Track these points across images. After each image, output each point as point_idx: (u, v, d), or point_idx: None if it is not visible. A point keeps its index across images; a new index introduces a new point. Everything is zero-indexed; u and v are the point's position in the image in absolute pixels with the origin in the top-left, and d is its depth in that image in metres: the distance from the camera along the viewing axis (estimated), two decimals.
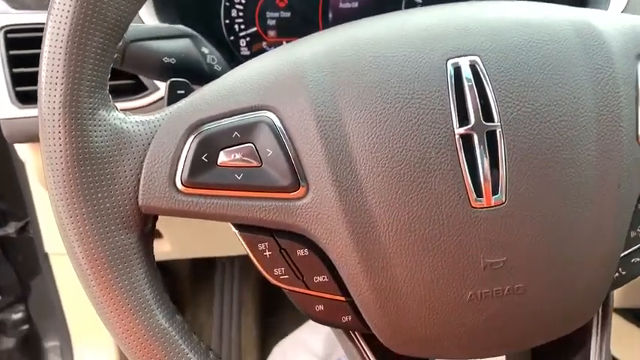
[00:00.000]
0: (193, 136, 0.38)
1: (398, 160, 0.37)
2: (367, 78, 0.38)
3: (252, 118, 0.38)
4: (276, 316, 1.34)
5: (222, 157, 0.38)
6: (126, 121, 0.39)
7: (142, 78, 0.69)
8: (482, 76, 0.37)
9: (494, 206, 0.37)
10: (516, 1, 0.44)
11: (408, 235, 0.37)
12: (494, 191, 0.37)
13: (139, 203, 0.38)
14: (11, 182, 1.00)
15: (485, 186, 0.37)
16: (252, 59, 0.42)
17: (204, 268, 1.32)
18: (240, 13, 0.79)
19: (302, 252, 0.39)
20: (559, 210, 0.37)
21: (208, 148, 0.38)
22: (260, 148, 0.38)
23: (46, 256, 1.01)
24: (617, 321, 0.89)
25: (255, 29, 0.80)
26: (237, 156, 0.38)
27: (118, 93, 0.66)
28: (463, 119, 0.37)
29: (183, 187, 0.38)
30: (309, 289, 0.39)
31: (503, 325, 0.39)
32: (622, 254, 0.40)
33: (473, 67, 0.37)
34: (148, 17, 0.67)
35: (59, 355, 1.13)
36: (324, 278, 0.39)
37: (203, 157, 0.38)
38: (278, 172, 0.38)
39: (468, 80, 0.37)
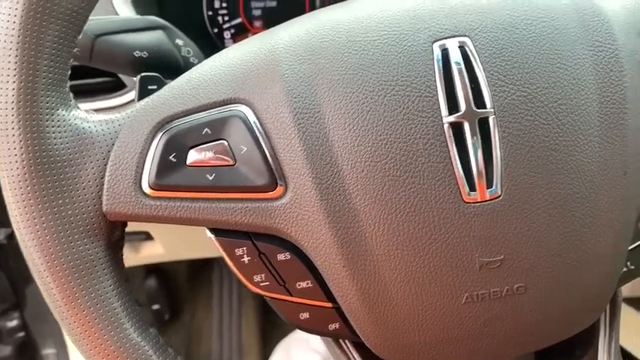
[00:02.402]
0: (161, 135, 0.35)
1: (382, 154, 0.34)
2: (347, 64, 0.35)
3: (224, 113, 0.35)
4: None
5: (192, 156, 0.35)
6: (88, 121, 0.36)
7: (122, 75, 0.66)
8: (472, 58, 0.34)
9: (489, 200, 0.34)
10: None
11: (395, 235, 0.34)
12: (489, 184, 0.34)
13: (104, 209, 0.35)
14: None
15: (479, 179, 0.34)
16: (228, 48, 0.39)
17: (201, 268, 1.29)
18: (224, 4, 0.76)
19: (283, 256, 0.36)
20: (560, 202, 0.34)
21: (177, 146, 0.35)
22: (233, 145, 0.35)
23: None
24: (625, 310, 0.86)
25: (239, 20, 0.77)
26: (209, 154, 0.35)
27: (97, 92, 0.63)
28: (452, 106, 0.34)
29: (151, 191, 0.35)
30: (292, 295, 0.36)
31: (504, 329, 0.36)
32: (630, 247, 0.37)
33: (462, 48, 0.34)
34: (124, 10, 0.64)
35: None
36: (308, 284, 0.36)
37: (171, 157, 0.35)
38: (253, 170, 0.35)
39: (457, 63, 0.34)
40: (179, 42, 0.49)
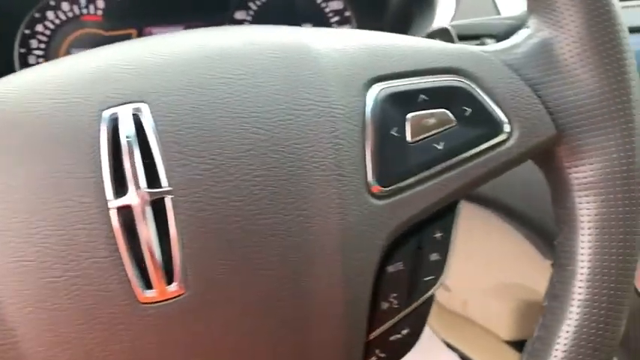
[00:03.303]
0: None
1: (36, 251, 0.27)
2: (5, 142, 0.29)
3: None
4: None
5: None
6: None
7: None
8: (147, 128, 0.28)
9: (171, 299, 0.28)
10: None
11: (62, 351, 0.27)
12: (169, 280, 0.28)
13: None
14: None
15: (156, 274, 0.28)
16: None
17: None
18: (41, 60, 0.70)
19: None
20: (262, 295, 0.29)
21: None
22: None
23: None
24: (511, 355, 0.81)
25: None
26: None
27: None
28: (120, 188, 0.28)
29: None
30: None
31: None
32: (374, 334, 0.32)
33: (136, 117, 0.29)
34: None
35: None
36: None
37: None
38: None
39: (128, 136, 0.28)
40: None
